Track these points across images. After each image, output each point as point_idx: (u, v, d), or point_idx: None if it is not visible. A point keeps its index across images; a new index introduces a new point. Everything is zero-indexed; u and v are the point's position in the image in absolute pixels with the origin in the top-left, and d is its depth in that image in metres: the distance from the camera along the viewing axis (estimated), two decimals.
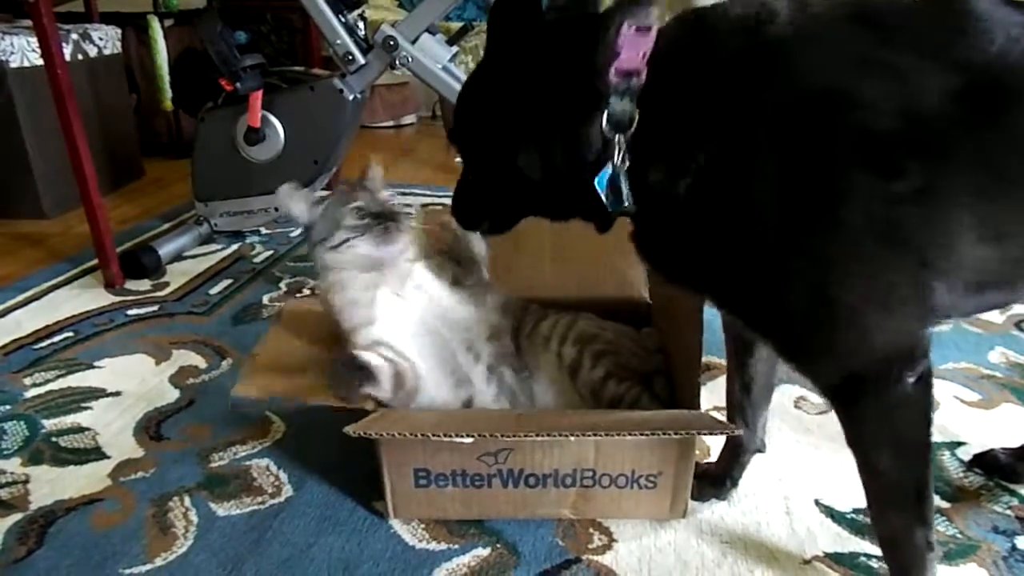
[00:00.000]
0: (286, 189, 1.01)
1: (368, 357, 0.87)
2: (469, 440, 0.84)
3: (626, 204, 0.70)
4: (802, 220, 0.63)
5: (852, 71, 0.61)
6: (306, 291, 1.60)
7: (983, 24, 0.60)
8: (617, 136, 0.67)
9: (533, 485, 0.89)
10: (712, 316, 0.90)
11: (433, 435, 0.81)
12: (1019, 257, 0.64)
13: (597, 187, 0.69)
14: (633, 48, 0.66)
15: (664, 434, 0.80)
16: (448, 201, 0.85)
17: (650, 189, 0.69)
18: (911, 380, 0.65)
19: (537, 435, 0.81)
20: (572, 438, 0.84)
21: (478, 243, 1.06)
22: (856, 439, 0.71)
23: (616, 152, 0.67)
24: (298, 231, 1.99)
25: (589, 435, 0.83)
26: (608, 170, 0.69)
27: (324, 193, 2.25)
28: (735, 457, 0.95)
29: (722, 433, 0.87)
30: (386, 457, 0.88)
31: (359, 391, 0.86)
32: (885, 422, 0.68)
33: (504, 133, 0.73)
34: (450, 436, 0.81)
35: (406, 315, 0.98)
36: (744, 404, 0.92)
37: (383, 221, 0.98)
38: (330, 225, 0.99)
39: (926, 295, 0.63)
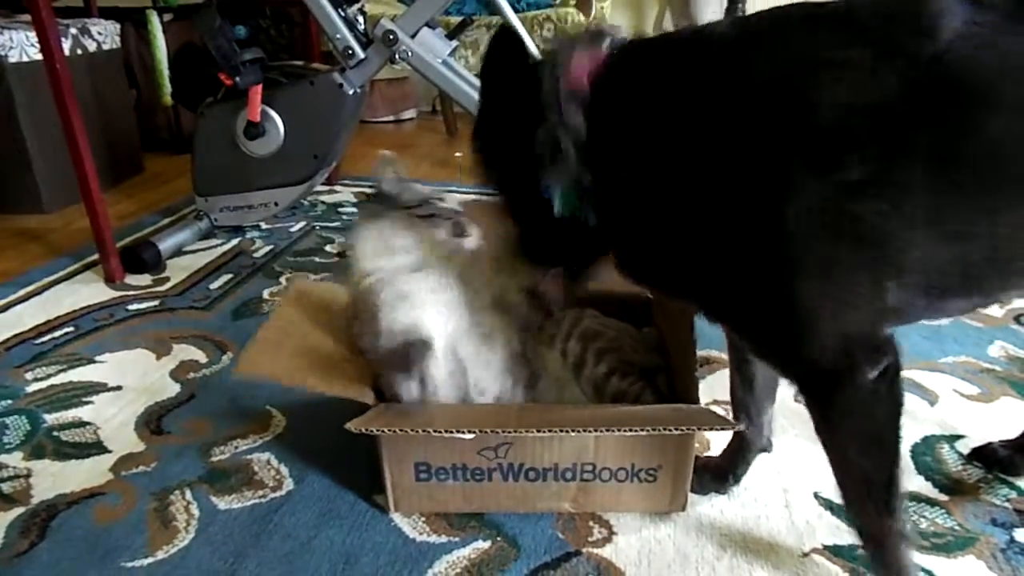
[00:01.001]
0: (387, 155, 1.03)
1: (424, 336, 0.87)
2: (470, 436, 0.84)
3: (581, 216, 0.75)
4: (753, 217, 0.63)
5: (797, 66, 0.61)
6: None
7: (938, 19, 0.59)
8: (569, 147, 0.72)
9: (533, 479, 0.89)
10: None
11: (434, 431, 0.81)
12: (980, 258, 0.63)
13: (545, 194, 0.75)
14: (579, 68, 0.72)
15: (665, 430, 0.80)
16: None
17: (608, 197, 0.73)
18: (873, 376, 0.66)
19: (538, 430, 0.81)
20: (573, 434, 0.85)
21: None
22: (823, 432, 0.72)
23: (568, 161, 0.72)
24: (299, 225, 1.99)
25: (589, 431, 0.83)
26: (562, 182, 0.74)
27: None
28: (741, 454, 0.95)
29: (724, 429, 0.88)
30: (387, 451, 0.88)
31: (419, 368, 0.86)
32: (849, 416, 0.69)
33: (498, 162, 0.81)
34: (451, 432, 0.82)
35: (438, 332, 0.97)
36: (747, 401, 0.93)
37: (464, 226, 0.99)
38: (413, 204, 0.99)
39: (879, 292, 0.63)
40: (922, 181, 0.60)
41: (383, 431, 0.81)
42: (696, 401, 0.89)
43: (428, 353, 0.85)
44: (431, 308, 0.95)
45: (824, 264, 0.62)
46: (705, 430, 0.90)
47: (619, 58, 0.73)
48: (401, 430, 0.80)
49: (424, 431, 0.81)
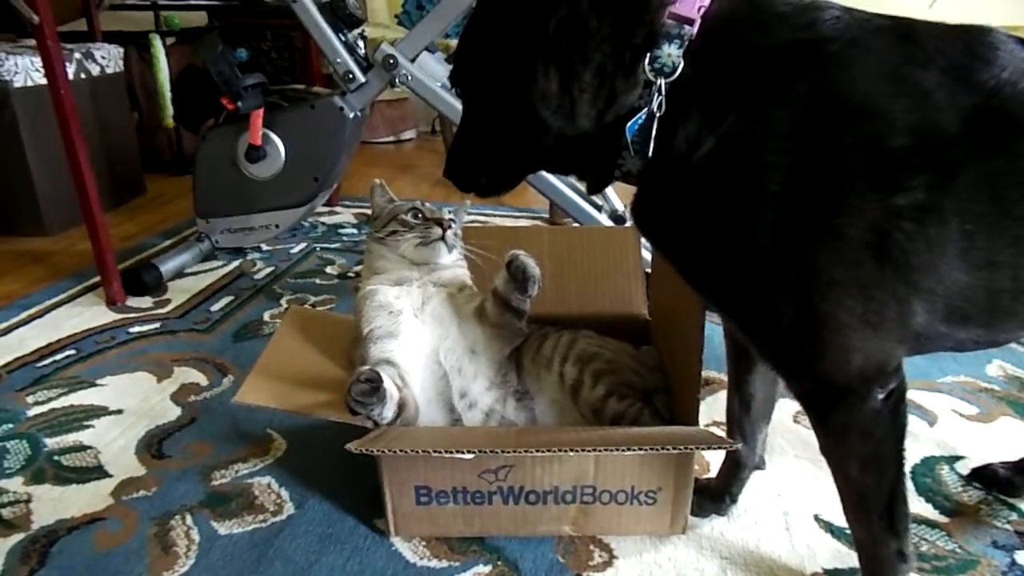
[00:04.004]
0: (377, 183, 1.17)
1: (384, 378, 0.88)
2: (470, 456, 0.84)
3: (647, 157, 0.68)
4: (800, 221, 0.63)
5: (881, 83, 0.62)
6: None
7: (999, 53, 0.62)
8: (659, 81, 0.66)
9: (533, 502, 0.89)
10: (711, 332, 0.91)
11: (434, 451, 0.81)
12: (1006, 288, 0.64)
13: (627, 133, 0.68)
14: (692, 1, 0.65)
15: (663, 449, 0.80)
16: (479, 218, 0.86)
17: (669, 147, 0.67)
18: (881, 397, 0.67)
19: (537, 450, 0.81)
20: (572, 453, 0.85)
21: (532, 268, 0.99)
22: (827, 448, 0.73)
23: (655, 98, 0.66)
24: (299, 247, 2.00)
25: (589, 450, 0.83)
26: (642, 116, 0.67)
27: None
28: (734, 473, 0.96)
29: (720, 448, 0.88)
30: (387, 475, 0.88)
31: (370, 409, 0.87)
32: (853, 435, 0.69)
33: (521, 60, 0.68)
34: (451, 452, 0.82)
35: (420, 344, 1.00)
36: (743, 421, 0.93)
37: (432, 225, 1.09)
38: (387, 220, 1.12)
39: (908, 316, 0.64)
40: (970, 208, 0.61)
41: (383, 451, 0.82)
42: (695, 423, 0.89)
43: (378, 391, 0.86)
44: (408, 316, 1.01)
45: (861, 282, 0.63)
46: (702, 449, 0.90)
47: (732, 6, 0.66)
48: (401, 450, 0.80)
49: (424, 451, 0.81)
